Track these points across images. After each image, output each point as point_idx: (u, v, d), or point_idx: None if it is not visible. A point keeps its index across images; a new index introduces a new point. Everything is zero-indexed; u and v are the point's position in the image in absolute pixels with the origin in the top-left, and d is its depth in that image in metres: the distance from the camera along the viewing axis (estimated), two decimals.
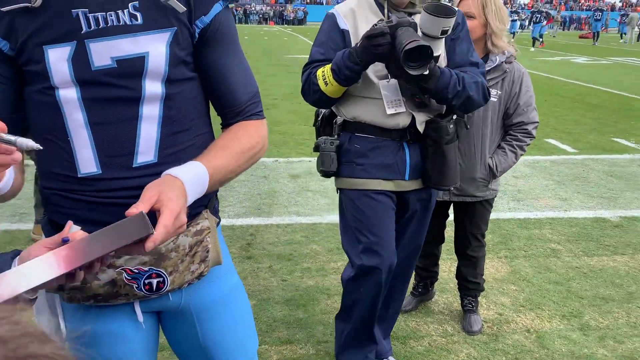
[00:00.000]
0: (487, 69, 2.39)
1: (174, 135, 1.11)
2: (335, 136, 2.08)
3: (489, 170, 2.50)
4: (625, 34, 27.05)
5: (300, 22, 45.84)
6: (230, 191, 4.64)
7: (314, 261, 3.45)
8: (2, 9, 0.98)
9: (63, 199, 1.08)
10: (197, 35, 1.10)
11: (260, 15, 48.03)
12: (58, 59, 1.00)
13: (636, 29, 22.56)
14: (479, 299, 2.92)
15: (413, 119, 1.96)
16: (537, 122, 2.51)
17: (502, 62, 2.40)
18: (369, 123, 1.99)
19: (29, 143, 0.82)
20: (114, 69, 1.03)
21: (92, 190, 1.06)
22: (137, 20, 1.03)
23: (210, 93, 1.18)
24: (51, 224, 1.13)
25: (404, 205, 2.13)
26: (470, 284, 2.79)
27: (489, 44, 2.39)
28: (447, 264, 3.33)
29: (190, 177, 1.02)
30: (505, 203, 4.59)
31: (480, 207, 2.63)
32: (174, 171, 1.02)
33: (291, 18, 46.81)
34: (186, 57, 1.10)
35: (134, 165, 1.08)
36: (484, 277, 2.85)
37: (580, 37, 25.37)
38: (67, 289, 1.06)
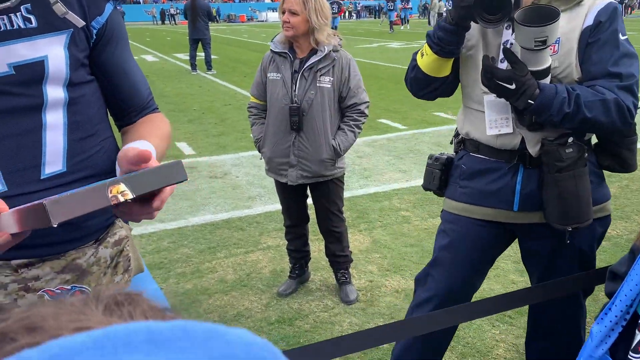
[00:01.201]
0: (318, 58, 2.59)
1: (81, 141, 1.08)
2: (454, 153, 1.87)
3: (333, 150, 2.72)
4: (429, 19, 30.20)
5: None
6: None
7: (187, 265, 3.41)
8: None
9: None
10: (94, 36, 1.08)
11: None
12: None
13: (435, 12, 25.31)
14: (350, 270, 3.16)
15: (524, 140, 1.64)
16: (368, 101, 2.79)
17: (330, 51, 2.61)
18: (478, 140, 1.72)
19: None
20: (12, 76, 0.97)
21: None
22: (31, 23, 0.98)
23: (114, 92, 1.16)
24: None
25: (519, 242, 1.84)
26: (339, 258, 3.01)
27: (311, 39, 2.58)
28: (316, 245, 3.52)
29: (142, 145, 1.03)
30: (356, 181, 4.94)
31: (333, 185, 2.85)
32: (134, 144, 1.02)
33: None
34: (84, 60, 1.07)
35: (42, 177, 1.03)
36: (350, 249, 3.08)
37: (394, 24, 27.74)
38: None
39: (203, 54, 12.48)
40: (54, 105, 1.03)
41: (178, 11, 40.77)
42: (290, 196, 2.92)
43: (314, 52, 2.61)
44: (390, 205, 4.36)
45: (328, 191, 2.85)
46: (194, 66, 12.43)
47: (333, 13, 20.83)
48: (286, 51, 2.64)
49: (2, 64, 0.96)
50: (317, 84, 2.62)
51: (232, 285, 3.16)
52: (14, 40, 0.97)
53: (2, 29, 0.96)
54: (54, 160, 1.05)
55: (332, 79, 2.64)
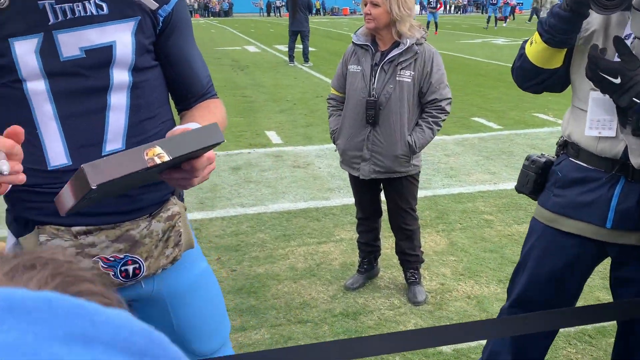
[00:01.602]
0: (399, 51, 2.52)
1: (142, 123, 1.14)
2: (555, 157, 1.75)
3: (408, 147, 2.64)
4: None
5: (227, 13, 45.10)
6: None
7: (261, 250, 3.49)
8: None
9: (31, 194, 1.08)
10: (160, 24, 1.13)
11: None
12: (25, 51, 1.00)
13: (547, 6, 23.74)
14: (421, 271, 3.08)
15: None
16: (450, 98, 2.67)
17: (413, 44, 2.53)
18: (578, 144, 1.57)
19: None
20: (83, 59, 1.04)
21: (62, 182, 1.06)
22: (102, 10, 1.05)
23: (175, 79, 1.21)
24: (17, 221, 1.12)
25: (611, 266, 1.69)
26: (410, 257, 2.94)
27: (393, 31, 2.51)
28: (390, 242, 3.47)
29: (192, 125, 1.06)
30: (439, 180, 4.80)
31: (407, 182, 2.77)
32: (183, 126, 1.06)
33: (217, 10, 45.97)
34: (149, 46, 1.13)
35: (102, 154, 1.09)
36: (422, 249, 3.00)
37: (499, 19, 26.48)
38: None
39: (302, 46, 12.70)
40: (118, 87, 1.09)
41: (283, 4, 41.82)
42: (363, 189, 2.90)
43: (396, 44, 2.56)
44: (473, 208, 4.19)
45: (401, 188, 2.79)
46: (291, 58, 12.69)
47: (431, 7, 19.80)
48: (368, 44, 2.61)
49: (74, 47, 1.03)
50: (397, 78, 2.57)
51: (302, 273, 3.20)
52: (86, 26, 1.03)
53: (77, 15, 1.03)
54: (114, 138, 1.11)
55: (412, 73, 2.57)
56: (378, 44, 2.61)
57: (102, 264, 1.10)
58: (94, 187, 0.78)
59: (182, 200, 1.30)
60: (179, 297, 1.27)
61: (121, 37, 1.07)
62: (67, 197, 0.88)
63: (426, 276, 3.17)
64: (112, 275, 1.12)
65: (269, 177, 4.85)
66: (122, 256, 1.12)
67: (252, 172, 5.00)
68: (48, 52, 1.02)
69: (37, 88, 1.03)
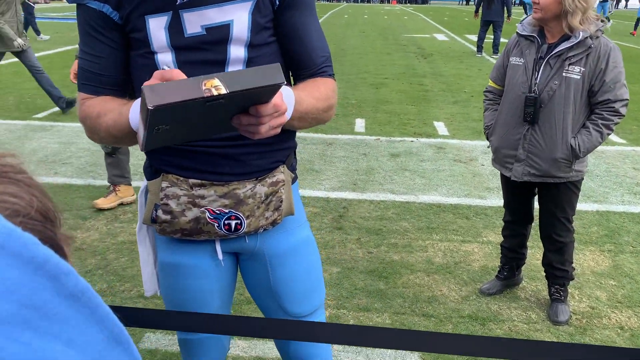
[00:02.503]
0: (569, 45, 2.28)
1: None
2: None
3: (571, 150, 2.38)
4: None
5: (424, 1, 44.67)
6: (330, 165, 4.80)
7: (401, 237, 3.49)
8: None
9: (162, 147, 1.25)
10: (277, 2, 1.20)
11: None
12: (157, 27, 1.15)
13: None
14: (570, 289, 2.80)
15: None
16: (626, 99, 2.34)
17: (586, 38, 2.26)
18: None
19: None
20: (204, 36, 1.16)
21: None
22: None
23: (288, 55, 1.27)
24: (150, 168, 1.31)
25: None
26: (556, 271, 2.69)
27: (564, 24, 2.26)
28: (539, 252, 3.20)
29: (284, 90, 1.10)
30: (619, 196, 4.26)
31: (565, 189, 2.51)
32: None
33: None
34: (266, 24, 1.20)
35: None
36: (577, 266, 2.72)
37: None
38: (159, 222, 1.24)
39: (492, 36, 12.09)
40: (235, 62, 1.19)
41: None
42: (513, 191, 2.72)
43: (566, 37, 2.33)
44: None
45: (558, 194, 2.55)
46: (480, 48, 12.17)
47: None
48: (534, 35, 2.41)
49: (197, 25, 1.15)
50: (564, 74, 2.34)
51: (437, 268, 3.13)
52: (207, 6, 1.14)
53: None
54: None
55: (582, 69, 2.32)
56: (546, 35, 2.40)
57: (209, 215, 1.23)
58: (150, 108, 0.80)
59: (293, 170, 1.38)
60: (277, 258, 1.36)
61: (239, 16, 1.15)
62: (140, 129, 0.93)
63: (575, 296, 2.87)
64: (216, 226, 1.24)
65: (426, 168, 4.78)
66: (226, 211, 1.23)
67: (410, 161, 4.97)
68: (175, 28, 1.15)
69: (165, 59, 1.17)
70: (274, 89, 0.90)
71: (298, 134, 5.67)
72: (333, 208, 3.92)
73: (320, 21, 1.33)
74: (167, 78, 0.94)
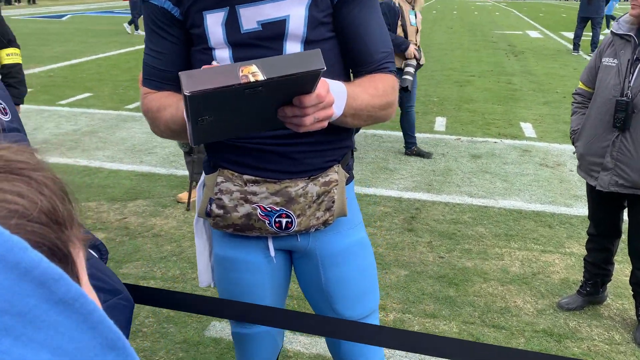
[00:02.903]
0: None
1: None
2: None
3: None
4: None
5: None
6: (405, 164, 4.70)
7: (476, 243, 3.35)
8: None
9: (220, 144, 1.26)
10: None
11: None
12: (214, 23, 1.15)
13: None
14: None
15: None
16: None
17: None
18: None
19: None
20: (260, 32, 1.14)
21: (245, 137, 1.23)
22: None
23: (347, 51, 1.23)
24: (209, 162, 1.33)
25: None
26: None
27: None
28: (627, 267, 2.95)
29: (334, 84, 1.08)
30: None
31: None
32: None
33: None
34: (324, 19, 1.17)
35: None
36: None
37: None
38: (213, 216, 1.26)
39: (591, 34, 11.32)
40: None
41: None
42: (599, 202, 2.52)
43: None
44: None
45: None
46: (576, 46, 11.44)
47: None
48: (630, 34, 2.21)
49: (253, 21, 1.14)
50: None
51: (513, 278, 2.98)
52: (263, 2, 1.13)
53: None
54: None
55: None
56: None
57: (260, 212, 1.23)
58: (187, 94, 0.78)
59: (349, 170, 1.34)
60: (330, 258, 1.33)
61: (295, 11, 1.13)
62: (187, 122, 0.92)
63: None
64: (267, 223, 1.23)
65: (508, 171, 4.56)
66: (277, 209, 1.22)
67: (492, 163, 4.76)
68: (231, 24, 1.14)
69: (222, 55, 1.17)
70: (314, 75, 0.85)
71: (374, 131, 5.59)
72: (405, 208, 3.83)
73: None
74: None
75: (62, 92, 7.31)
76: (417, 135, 4.97)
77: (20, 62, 3.35)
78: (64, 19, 18.56)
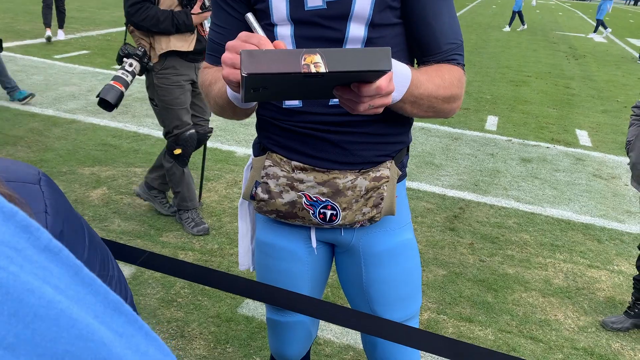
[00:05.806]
0: None
1: None
2: None
3: None
4: None
5: None
6: (451, 161, 4.58)
7: (520, 250, 3.24)
8: None
9: (270, 125, 1.24)
10: None
11: None
12: None
13: None
14: None
15: None
16: None
17: None
18: None
19: None
20: (324, 10, 1.09)
21: (293, 120, 1.19)
22: None
23: (413, 39, 1.16)
24: (258, 144, 1.30)
25: None
26: None
27: None
28: None
29: (399, 66, 1.02)
30: None
31: None
32: None
33: None
34: (392, 3, 1.11)
35: (329, 104, 1.16)
36: None
37: None
38: (257, 200, 1.23)
39: None
40: (353, 41, 1.11)
41: None
42: None
43: None
44: None
45: None
46: None
47: None
48: None
49: None
50: None
51: (555, 291, 2.87)
52: None
53: None
54: None
55: None
56: None
57: (305, 201, 1.19)
58: (244, 75, 0.76)
59: (402, 168, 1.28)
60: (373, 257, 1.29)
61: None
62: (240, 88, 0.89)
63: None
64: (312, 214, 1.19)
65: (559, 179, 4.39)
66: (323, 199, 1.18)
67: (543, 169, 4.59)
68: (295, 0, 1.09)
69: (284, 32, 1.12)
70: (377, 74, 0.81)
71: (422, 125, 5.47)
72: (448, 207, 3.74)
73: (465, 10, 1.20)
74: (255, 43, 0.88)
75: None
76: (466, 132, 4.84)
77: None
78: None
